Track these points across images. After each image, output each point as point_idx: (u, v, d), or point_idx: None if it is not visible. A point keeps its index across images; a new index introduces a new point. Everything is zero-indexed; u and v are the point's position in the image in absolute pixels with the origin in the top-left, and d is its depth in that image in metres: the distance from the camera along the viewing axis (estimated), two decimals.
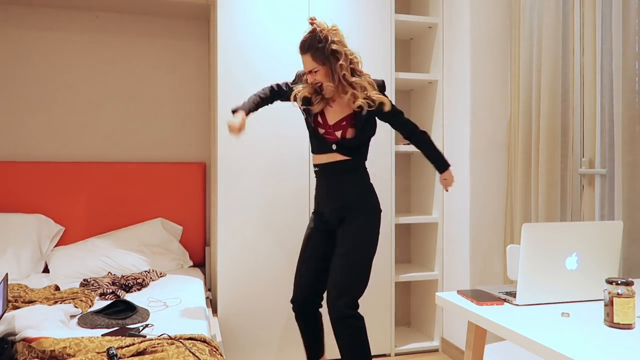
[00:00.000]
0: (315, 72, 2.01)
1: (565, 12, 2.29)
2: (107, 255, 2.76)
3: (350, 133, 2.07)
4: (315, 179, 2.22)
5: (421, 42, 3.21)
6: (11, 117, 2.97)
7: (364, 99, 2.02)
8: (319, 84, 2.03)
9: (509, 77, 2.73)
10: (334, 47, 1.98)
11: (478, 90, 2.72)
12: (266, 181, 2.70)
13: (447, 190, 2.29)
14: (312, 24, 2.03)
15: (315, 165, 2.16)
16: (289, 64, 2.73)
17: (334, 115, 2.10)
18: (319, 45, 1.98)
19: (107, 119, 3.12)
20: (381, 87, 2.13)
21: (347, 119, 2.07)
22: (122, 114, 3.14)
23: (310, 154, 2.39)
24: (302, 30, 2.74)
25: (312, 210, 2.39)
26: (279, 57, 2.71)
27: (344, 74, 2.00)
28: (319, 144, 2.11)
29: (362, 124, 2.07)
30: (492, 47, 2.74)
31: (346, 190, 2.09)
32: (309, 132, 2.16)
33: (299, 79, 2.17)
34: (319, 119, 2.11)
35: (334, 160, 2.09)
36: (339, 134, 2.07)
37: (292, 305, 2.22)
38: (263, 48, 2.69)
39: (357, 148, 2.10)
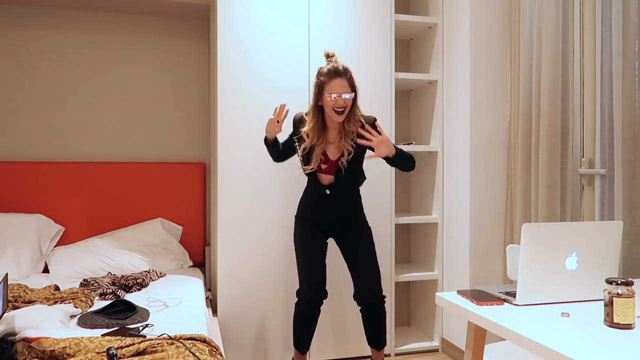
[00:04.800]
0: (347, 97, 2.17)
1: (565, 12, 2.29)
2: (107, 255, 2.76)
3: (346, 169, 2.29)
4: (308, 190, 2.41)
5: (421, 42, 3.22)
6: (11, 117, 2.97)
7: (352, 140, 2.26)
8: (343, 109, 2.18)
9: (509, 77, 2.73)
10: (356, 86, 2.23)
11: (478, 90, 2.72)
12: (266, 181, 2.70)
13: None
14: (332, 56, 2.24)
15: (324, 188, 2.31)
16: (289, 64, 2.73)
17: (334, 152, 2.29)
18: (351, 75, 2.20)
19: (107, 119, 3.12)
20: (371, 124, 2.27)
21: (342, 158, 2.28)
22: (121, 114, 3.14)
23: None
24: (302, 30, 2.75)
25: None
26: (279, 57, 2.71)
27: (357, 110, 2.26)
28: (315, 184, 2.33)
29: (357, 161, 2.31)
30: (492, 47, 2.74)
31: (339, 208, 2.35)
32: (307, 170, 2.31)
33: (299, 123, 2.32)
34: (322, 155, 2.28)
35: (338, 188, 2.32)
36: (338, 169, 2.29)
37: (301, 302, 2.32)
38: (263, 48, 2.69)
39: (356, 175, 2.36)
